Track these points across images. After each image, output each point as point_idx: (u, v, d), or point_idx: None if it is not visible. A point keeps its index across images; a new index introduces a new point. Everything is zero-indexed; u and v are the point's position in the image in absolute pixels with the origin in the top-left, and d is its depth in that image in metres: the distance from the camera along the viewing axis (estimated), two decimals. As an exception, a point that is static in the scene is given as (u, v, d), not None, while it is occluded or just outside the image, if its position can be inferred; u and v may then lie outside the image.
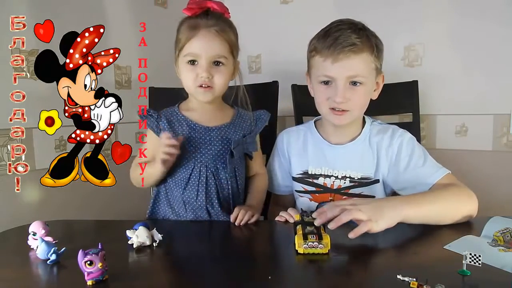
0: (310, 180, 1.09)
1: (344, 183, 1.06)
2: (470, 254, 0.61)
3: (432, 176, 0.97)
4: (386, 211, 0.81)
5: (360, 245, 0.79)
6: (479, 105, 1.46)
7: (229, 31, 0.98)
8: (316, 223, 0.78)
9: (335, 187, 1.06)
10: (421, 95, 1.37)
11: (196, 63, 0.95)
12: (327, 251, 0.71)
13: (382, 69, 1.04)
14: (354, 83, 0.98)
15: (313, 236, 0.72)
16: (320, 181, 1.08)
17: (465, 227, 0.87)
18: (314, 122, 1.16)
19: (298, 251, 0.72)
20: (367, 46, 0.97)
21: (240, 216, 0.93)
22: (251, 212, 0.95)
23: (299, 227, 0.77)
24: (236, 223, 0.93)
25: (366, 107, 1.04)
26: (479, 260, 0.60)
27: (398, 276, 0.60)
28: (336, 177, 1.07)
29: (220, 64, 0.97)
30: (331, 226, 0.76)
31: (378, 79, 1.04)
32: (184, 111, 1.04)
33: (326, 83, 1.00)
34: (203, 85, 0.96)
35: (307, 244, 0.71)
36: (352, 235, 0.76)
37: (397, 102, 1.39)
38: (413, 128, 1.32)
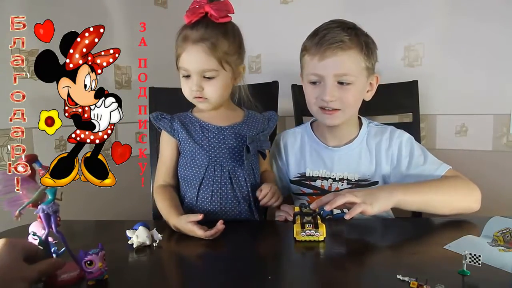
0: (308, 182, 1.09)
1: (342, 185, 1.05)
2: (470, 254, 0.61)
3: (435, 172, 0.98)
4: (380, 195, 0.86)
5: (361, 246, 0.79)
6: (479, 105, 1.46)
7: (223, 41, 0.93)
8: (312, 206, 0.86)
9: (332, 189, 1.06)
10: (421, 95, 1.37)
11: (189, 76, 0.96)
12: (323, 239, 0.78)
13: (379, 69, 1.04)
14: (343, 83, 0.98)
15: (310, 225, 0.79)
16: (318, 183, 1.08)
17: (465, 227, 0.87)
18: (311, 123, 1.16)
19: (297, 239, 0.78)
20: (356, 44, 0.97)
21: (269, 196, 0.96)
22: (277, 196, 0.98)
23: (298, 217, 0.83)
24: (261, 202, 0.96)
25: (358, 107, 1.04)
26: (479, 260, 0.60)
27: (398, 276, 0.60)
28: (334, 179, 1.06)
29: (209, 76, 0.95)
30: (327, 208, 0.83)
31: (371, 79, 1.03)
32: (196, 113, 1.04)
33: (315, 82, 1.00)
34: (197, 97, 0.97)
35: (305, 232, 0.78)
36: (347, 216, 0.82)
37: (397, 102, 1.39)
38: (413, 128, 1.32)
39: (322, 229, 0.78)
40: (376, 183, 1.04)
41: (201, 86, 0.95)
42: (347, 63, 0.96)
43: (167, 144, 1.02)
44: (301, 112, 1.42)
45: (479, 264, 0.60)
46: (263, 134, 1.05)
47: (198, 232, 0.81)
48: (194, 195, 0.99)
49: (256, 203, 1.01)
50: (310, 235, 0.77)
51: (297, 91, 1.41)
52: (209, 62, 0.93)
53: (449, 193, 0.92)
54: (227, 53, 0.95)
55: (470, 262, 0.61)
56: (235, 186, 0.99)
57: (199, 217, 0.83)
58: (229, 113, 1.04)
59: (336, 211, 1.04)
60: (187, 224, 0.83)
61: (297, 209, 0.89)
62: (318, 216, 0.83)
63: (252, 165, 1.02)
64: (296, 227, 0.79)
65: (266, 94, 1.34)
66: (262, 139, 1.04)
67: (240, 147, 0.99)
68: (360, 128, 1.09)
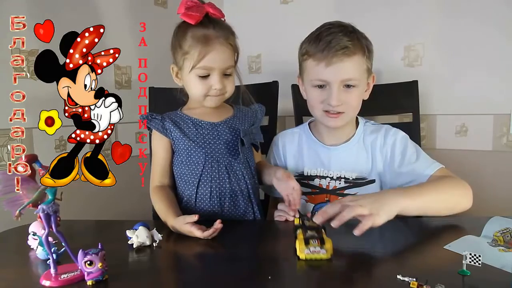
0: (306, 181, 1.09)
1: (340, 183, 1.06)
2: (470, 254, 0.61)
3: (426, 170, 0.98)
4: (386, 203, 0.82)
5: (361, 246, 0.79)
6: (479, 105, 1.46)
7: (233, 37, 0.98)
8: (318, 221, 0.77)
9: (330, 188, 1.07)
10: (421, 95, 1.37)
11: (207, 75, 0.95)
12: (330, 256, 0.69)
13: (379, 69, 1.05)
14: (348, 86, 0.99)
15: (315, 241, 0.70)
16: (316, 182, 1.08)
17: (465, 227, 0.87)
18: (309, 123, 1.17)
19: (300, 257, 0.69)
20: (359, 48, 0.98)
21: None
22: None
23: (299, 231, 0.75)
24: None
25: (359, 108, 1.05)
26: (479, 260, 0.60)
27: (398, 276, 0.60)
28: (332, 178, 1.07)
29: (229, 73, 0.98)
30: (335, 224, 0.76)
31: (369, 79, 1.05)
32: (186, 111, 1.04)
33: (320, 86, 1.01)
34: (215, 95, 0.97)
35: (309, 250, 0.68)
36: (357, 232, 0.75)
37: (397, 102, 1.39)
38: (413, 128, 1.32)
39: (329, 245, 0.69)
40: (373, 181, 1.05)
41: (224, 84, 0.96)
42: (352, 68, 0.98)
43: (160, 144, 1.02)
44: (301, 112, 1.42)
45: (479, 264, 0.60)
46: (254, 127, 1.06)
47: (196, 233, 0.81)
48: (193, 193, 0.99)
49: (255, 196, 1.02)
50: (315, 252, 0.68)
51: (297, 91, 1.41)
52: (231, 58, 0.98)
53: (447, 195, 0.92)
54: (236, 49, 0.99)
55: (470, 262, 0.61)
56: (233, 180, 0.99)
57: (195, 217, 0.83)
58: (219, 109, 1.04)
59: None
60: (185, 225, 0.84)
61: (296, 221, 0.82)
62: (323, 230, 0.76)
63: (247, 158, 1.03)
64: (299, 244, 0.70)
65: (266, 94, 1.34)
66: (254, 131, 1.04)
67: (235, 140, 1.00)
68: (356, 127, 1.09)
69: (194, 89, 0.98)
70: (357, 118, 1.12)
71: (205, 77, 0.95)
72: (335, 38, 0.96)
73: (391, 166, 1.03)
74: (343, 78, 0.97)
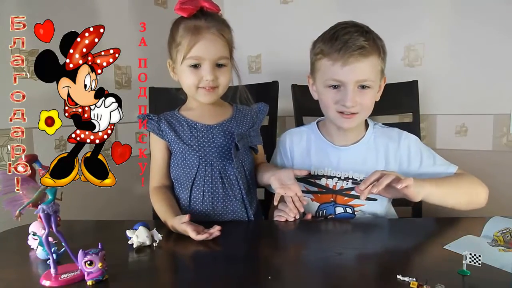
0: (313, 180, 1.09)
1: (347, 184, 1.06)
2: (470, 254, 0.61)
3: (446, 172, 1.01)
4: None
5: (361, 245, 0.79)
6: (479, 105, 1.46)
7: (228, 30, 0.97)
8: (361, 187, 0.86)
9: (337, 188, 1.06)
10: (421, 95, 1.37)
11: (199, 66, 0.94)
12: None
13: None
14: (363, 87, 0.99)
15: None
16: (323, 181, 1.08)
17: (465, 227, 0.87)
18: (317, 123, 1.16)
19: None
20: (375, 49, 0.98)
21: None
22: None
23: None
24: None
25: (372, 109, 1.04)
26: (479, 260, 0.60)
27: (398, 276, 0.60)
28: (339, 178, 1.07)
29: (222, 65, 0.96)
30: (374, 190, 0.86)
31: (381, 81, 1.05)
32: (183, 112, 1.04)
33: (334, 87, 1.00)
34: (207, 87, 0.95)
35: None
36: (399, 186, 0.84)
37: (397, 102, 1.38)
38: (413, 128, 1.32)
39: None
40: None
41: (215, 75, 0.95)
42: (368, 69, 0.97)
43: (157, 146, 1.02)
44: (301, 112, 1.42)
45: (479, 264, 0.60)
46: (253, 129, 1.04)
47: (191, 234, 0.81)
48: (187, 196, 0.99)
49: (250, 201, 1.01)
50: None
51: (297, 91, 1.41)
52: (224, 49, 0.95)
53: (468, 189, 0.96)
54: (232, 42, 0.98)
55: (470, 262, 0.61)
56: (226, 185, 0.98)
57: (186, 217, 0.84)
58: (217, 110, 1.03)
59: (338, 211, 1.05)
60: (181, 224, 0.84)
61: None
62: None
63: (243, 162, 1.02)
64: None
65: (266, 94, 1.34)
66: (253, 134, 1.03)
67: (229, 145, 0.98)
68: (366, 128, 1.10)
69: (186, 80, 0.96)
70: (366, 119, 1.12)
71: (196, 67, 0.94)
72: (352, 38, 0.95)
73: (410, 170, 1.03)
74: (358, 79, 0.97)
